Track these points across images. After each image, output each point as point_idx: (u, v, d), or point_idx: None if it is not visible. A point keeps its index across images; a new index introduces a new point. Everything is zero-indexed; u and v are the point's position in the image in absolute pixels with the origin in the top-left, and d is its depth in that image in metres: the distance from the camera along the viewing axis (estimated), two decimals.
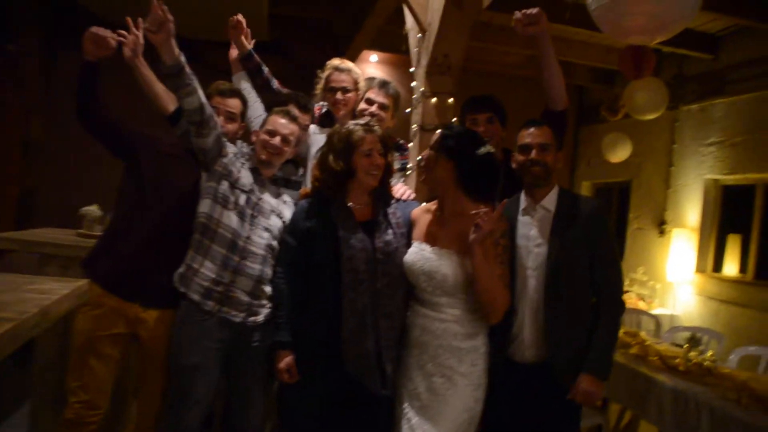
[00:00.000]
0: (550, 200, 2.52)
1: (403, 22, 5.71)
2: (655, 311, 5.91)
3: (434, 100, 3.07)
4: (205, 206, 2.55)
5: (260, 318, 2.57)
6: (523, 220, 2.54)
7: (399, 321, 2.44)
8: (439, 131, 2.46)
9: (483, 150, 2.37)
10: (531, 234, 2.50)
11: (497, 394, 2.43)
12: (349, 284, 2.35)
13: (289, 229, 2.55)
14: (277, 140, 2.63)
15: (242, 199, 2.57)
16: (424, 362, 2.36)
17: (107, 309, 2.52)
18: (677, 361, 3.47)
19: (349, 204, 2.48)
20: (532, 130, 2.51)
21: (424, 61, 3.17)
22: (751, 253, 5.72)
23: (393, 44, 6.40)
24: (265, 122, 2.71)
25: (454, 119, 3.09)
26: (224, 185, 2.56)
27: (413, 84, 3.29)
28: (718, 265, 6.04)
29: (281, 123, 2.66)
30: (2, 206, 6.78)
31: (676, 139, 6.48)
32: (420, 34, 3.21)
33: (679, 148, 6.45)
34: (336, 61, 3.21)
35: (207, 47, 5.19)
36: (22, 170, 6.79)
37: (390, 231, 2.47)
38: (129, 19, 2.47)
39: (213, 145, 2.55)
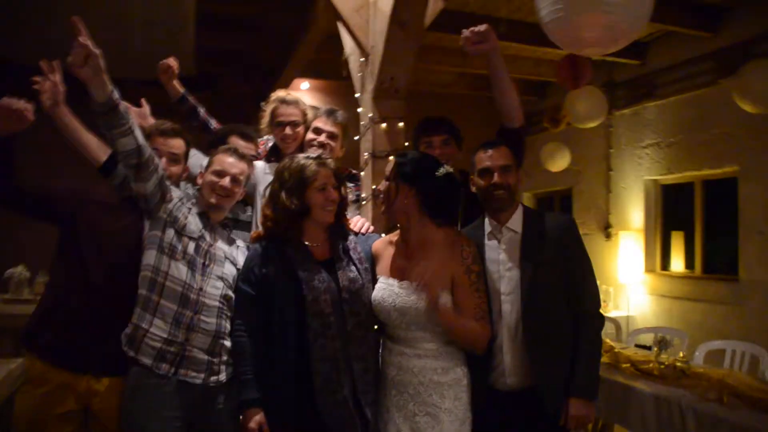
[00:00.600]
0: (516, 221, 2.42)
1: (335, 48, 5.68)
2: (611, 314, 5.95)
3: (384, 125, 2.96)
4: (150, 258, 2.32)
5: (223, 377, 2.35)
6: (490, 244, 2.44)
7: (373, 362, 2.31)
8: (392, 158, 2.36)
9: (442, 171, 2.30)
10: (500, 258, 2.40)
11: (483, 426, 2.30)
12: (317, 329, 2.19)
13: (243, 276, 2.36)
14: (226, 181, 2.44)
15: (191, 247, 2.36)
16: (405, 402, 2.23)
17: (54, 385, 2.25)
18: (650, 365, 3.45)
19: (306, 243, 2.33)
20: (490, 152, 2.42)
21: (369, 86, 3.05)
22: (696, 249, 5.85)
23: (324, 71, 6.35)
24: (210, 163, 2.52)
25: (406, 143, 2.99)
26: (170, 233, 2.34)
27: (359, 110, 3.17)
28: (665, 263, 6.16)
29: (229, 162, 2.48)
30: None
31: (612, 143, 6.62)
32: (363, 58, 3.10)
33: (616, 152, 6.59)
34: (281, 93, 3.07)
35: (135, 86, 4.95)
36: None
37: (353, 267, 2.34)
38: (43, 63, 2.19)
39: (155, 190, 2.33)
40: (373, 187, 2.89)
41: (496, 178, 2.37)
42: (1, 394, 1.67)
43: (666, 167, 5.95)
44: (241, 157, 2.53)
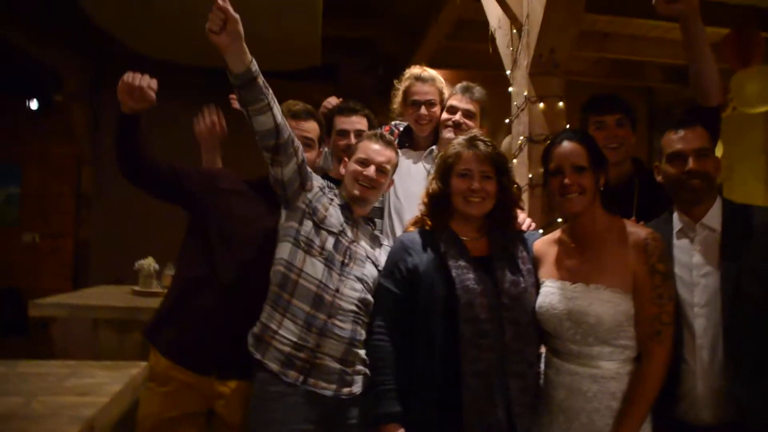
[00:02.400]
0: (714, 217, 2.01)
1: (467, 35, 5.40)
2: None
3: (542, 105, 2.62)
4: (284, 251, 2.11)
5: (356, 389, 2.11)
6: (679, 244, 2.03)
7: (533, 380, 1.98)
8: (564, 139, 2.02)
9: None
10: (693, 261, 1.99)
11: None
12: (470, 338, 1.89)
13: (387, 272, 2.09)
14: (371, 170, 2.21)
15: (330, 242, 2.14)
16: (576, 431, 1.89)
17: (178, 385, 2.11)
18: None
19: (461, 237, 2.04)
20: (683, 133, 2.02)
21: (524, 61, 2.71)
22: None
23: (454, 60, 6.03)
24: (354, 150, 2.29)
25: (567, 126, 2.63)
26: (308, 226, 2.13)
27: (510, 89, 2.85)
28: None
29: (374, 149, 2.24)
30: (58, 260, 6.66)
31: None
32: (515, 30, 2.77)
33: None
34: (416, 70, 2.81)
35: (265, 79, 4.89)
36: (75, 223, 6.65)
37: (516, 268, 2.01)
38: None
39: (293, 176, 2.12)
40: (530, 176, 2.56)
41: (691, 164, 1.97)
42: (123, 402, 1.47)
43: None
44: (388, 143, 2.28)
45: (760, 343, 1.89)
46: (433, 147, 2.74)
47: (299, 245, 2.11)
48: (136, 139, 2.11)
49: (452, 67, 6.15)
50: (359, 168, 2.21)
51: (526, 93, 2.66)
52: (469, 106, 2.65)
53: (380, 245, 2.32)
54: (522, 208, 2.15)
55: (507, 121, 2.91)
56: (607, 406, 1.86)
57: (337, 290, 2.09)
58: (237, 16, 1.84)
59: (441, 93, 2.75)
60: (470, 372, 1.87)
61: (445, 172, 2.05)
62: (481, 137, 2.07)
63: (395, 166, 2.33)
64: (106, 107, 6.46)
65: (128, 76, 2.01)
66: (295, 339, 2.04)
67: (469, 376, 1.87)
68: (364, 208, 2.29)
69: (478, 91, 2.69)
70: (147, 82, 2.02)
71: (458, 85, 2.73)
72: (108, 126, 6.35)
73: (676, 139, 2.03)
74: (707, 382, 1.92)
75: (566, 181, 1.96)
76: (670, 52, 5.98)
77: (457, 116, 2.64)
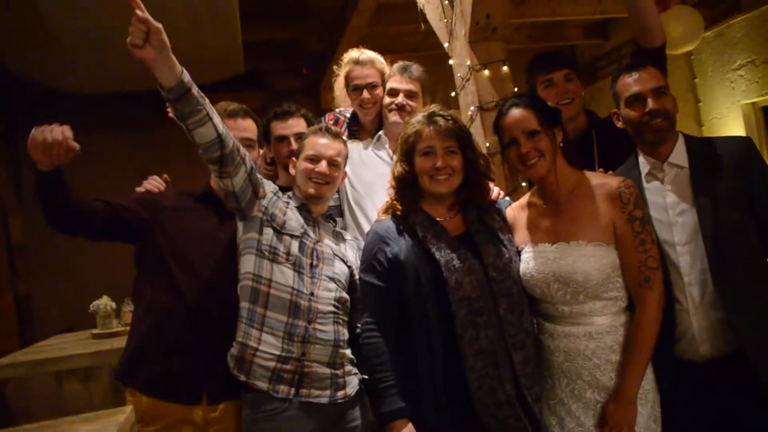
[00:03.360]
0: (680, 154, 2.01)
1: (387, 19, 5.33)
2: None
3: (487, 72, 2.57)
4: (249, 264, 2.01)
5: (350, 390, 2.05)
6: (650, 187, 2.03)
7: (533, 349, 1.93)
8: (509, 107, 1.97)
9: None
10: (667, 201, 1.99)
11: (677, 405, 1.92)
12: (465, 318, 1.83)
13: (367, 265, 1.99)
14: (323, 166, 2.13)
15: (295, 246, 2.05)
16: (581, 390, 1.87)
17: (168, 421, 1.98)
18: None
19: (436, 218, 1.97)
20: (637, 75, 2.01)
21: (461, 31, 2.65)
22: None
23: (379, 46, 5.95)
24: (301, 147, 2.20)
25: (515, 89, 2.60)
26: (268, 234, 2.03)
27: (451, 62, 2.79)
28: None
29: (323, 143, 2.16)
30: (2, 314, 6.25)
31: (696, 72, 6.03)
32: (447, 1, 2.71)
33: (701, 81, 5.98)
34: (354, 53, 2.72)
35: None
36: (11, 277, 6.27)
37: (496, 240, 1.96)
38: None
39: (244, 186, 2.01)
40: (487, 144, 2.50)
41: (650, 104, 1.97)
42: None
43: (766, 86, 5.36)
44: (335, 136, 2.20)
45: (747, 269, 1.90)
46: (380, 132, 2.67)
47: (263, 255, 2.01)
48: (62, 192, 1.92)
49: (378, 53, 6.10)
50: (310, 165, 2.13)
51: (468, 62, 2.60)
52: (410, 86, 2.58)
53: (344, 240, 2.25)
54: (492, 179, 2.09)
55: (453, 94, 2.85)
56: (606, 361, 1.84)
57: (312, 294, 2.02)
58: (159, 25, 1.70)
59: (382, 74, 2.68)
60: (471, 352, 1.81)
61: (408, 152, 1.97)
62: (440, 112, 2.00)
63: (346, 157, 2.26)
64: (25, 153, 6.08)
65: (38, 133, 1.81)
66: (278, 352, 1.96)
67: (471, 356, 1.81)
68: (322, 205, 2.22)
69: (416, 69, 2.62)
70: (62, 134, 1.82)
71: (395, 66, 2.65)
72: (30, 172, 5.99)
73: (631, 82, 2.01)
74: (701, 317, 1.92)
75: (522, 149, 1.92)
76: (586, 9, 6.09)
77: (399, 98, 2.56)
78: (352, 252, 2.22)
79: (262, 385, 1.95)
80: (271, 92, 6.43)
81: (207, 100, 1.88)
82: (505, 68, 2.60)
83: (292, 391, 1.95)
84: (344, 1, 4.97)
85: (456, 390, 1.83)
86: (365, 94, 2.64)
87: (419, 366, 1.86)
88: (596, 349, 1.85)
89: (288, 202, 2.15)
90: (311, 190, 2.13)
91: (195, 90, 1.82)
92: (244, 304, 2.01)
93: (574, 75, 2.47)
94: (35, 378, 3.00)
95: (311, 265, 2.06)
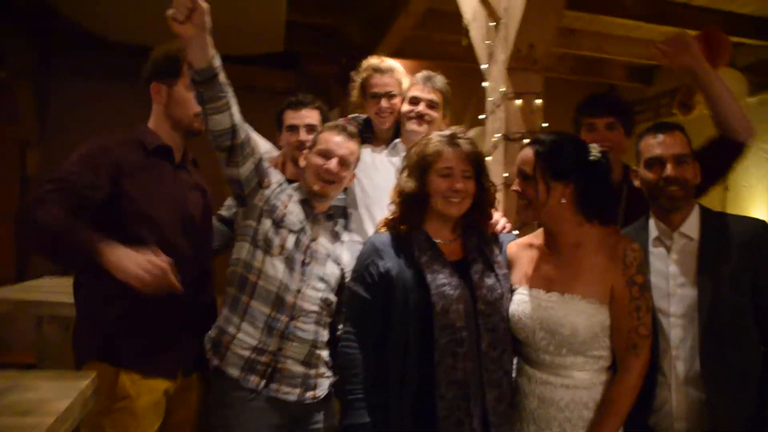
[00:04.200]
0: (692, 225, 1.96)
1: (433, 25, 5.28)
2: None
3: (519, 102, 2.53)
4: (242, 252, 2.02)
5: (320, 392, 2.04)
6: (656, 252, 1.99)
7: (508, 389, 1.90)
8: (529, 146, 1.93)
9: (595, 154, 1.86)
10: (670, 271, 1.95)
11: None
12: (446, 346, 1.80)
13: (357, 275, 1.96)
14: (333, 164, 2.11)
15: (290, 241, 2.03)
16: None
17: (151, 396, 1.94)
18: None
19: (435, 240, 1.94)
20: (661, 137, 1.97)
21: (501, 56, 2.61)
22: None
23: (419, 50, 5.91)
24: (315, 141, 2.18)
25: (544, 125, 2.55)
26: (266, 224, 2.02)
27: (485, 84, 2.75)
28: None
29: (336, 141, 2.14)
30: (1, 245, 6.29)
31: None
32: (493, 23, 2.67)
33: None
34: (374, 60, 2.71)
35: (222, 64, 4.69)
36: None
37: (492, 273, 1.92)
38: None
39: (250, 176, 2.01)
40: (505, 175, 2.47)
41: (669, 170, 1.92)
42: (69, 421, 1.30)
43: None
44: (351, 135, 2.18)
45: (736, 354, 1.86)
46: (397, 140, 2.65)
47: (257, 245, 2.01)
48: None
49: (418, 57, 6.05)
50: (320, 161, 2.11)
51: (503, 89, 2.56)
52: (432, 96, 2.55)
53: (341, 241, 2.23)
54: (496, 209, 2.08)
55: (481, 117, 2.81)
56: (579, 416, 1.81)
57: (299, 291, 2.01)
58: (206, 5, 1.68)
59: (400, 84, 2.66)
60: (446, 381, 1.79)
61: (423, 170, 1.93)
62: (461, 135, 1.97)
63: (357, 159, 2.24)
64: (53, 86, 6.11)
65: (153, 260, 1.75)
66: (254, 343, 1.96)
67: (445, 385, 1.79)
68: (325, 203, 2.20)
69: (440, 80, 2.60)
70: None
71: (419, 75, 2.62)
72: (56, 106, 6.02)
73: (654, 144, 1.98)
74: (682, 393, 1.88)
75: (513, 187, 1.93)
76: (634, 51, 6.01)
77: (420, 107, 2.54)
78: (347, 254, 2.19)
79: (234, 372, 1.95)
80: (305, 75, 6.40)
81: (231, 89, 1.86)
82: (538, 101, 2.56)
83: (263, 383, 1.95)
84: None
85: (424, 416, 1.80)
86: (383, 102, 2.62)
87: (391, 385, 1.84)
88: (570, 402, 1.81)
89: (292, 195, 2.13)
90: (316, 188, 2.11)
91: (222, 76, 1.81)
92: (231, 290, 2.02)
93: (619, 124, 2.41)
94: (20, 317, 2.97)
95: (303, 262, 2.04)
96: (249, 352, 1.95)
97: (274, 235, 2.02)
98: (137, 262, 1.72)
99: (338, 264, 2.15)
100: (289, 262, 2.01)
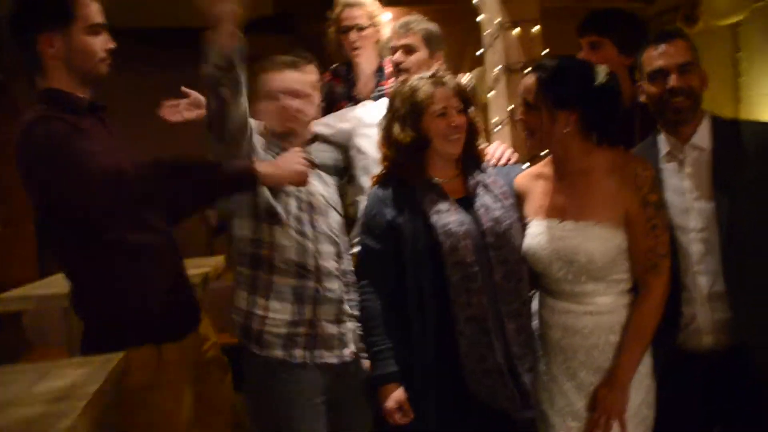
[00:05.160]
0: (703, 136, 1.91)
1: None
2: None
3: (517, 31, 2.46)
4: (244, 228, 1.95)
5: (352, 346, 2.05)
6: (668, 167, 1.94)
7: (528, 319, 1.93)
8: (531, 73, 1.89)
9: (601, 77, 1.81)
10: (684, 185, 1.91)
11: (674, 393, 1.88)
12: (459, 283, 1.82)
13: (366, 228, 1.99)
14: (296, 104, 2.02)
15: (293, 205, 1.98)
16: (576, 369, 1.84)
17: (188, 359, 1.87)
18: None
19: (435, 180, 1.94)
20: (663, 47, 1.89)
21: None
22: None
23: None
24: (265, 87, 2.05)
25: (544, 52, 2.49)
26: (264, 194, 1.92)
27: (480, 17, 2.67)
28: None
29: (292, 78, 2.03)
30: (22, 247, 6.33)
31: (742, 45, 5.79)
32: None
33: (746, 54, 5.76)
34: None
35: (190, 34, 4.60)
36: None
37: (497, 205, 1.92)
38: None
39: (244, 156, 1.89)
40: (510, 107, 2.42)
41: (673, 80, 1.85)
42: (101, 402, 1.31)
43: None
44: (305, 63, 2.08)
45: (759, 268, 1.83)
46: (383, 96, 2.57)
47: (260, 218, 1.93)
48: None
49: (412, 3, 5.91)
50: (283, 105, 2.00)
51: (498, 19, 2.49)
52: (406, 41, 2.44)
53: (329, 185, 2.17)
54: (486, 140, 2.10)
55: (478, 53, 2.75)
56: (605, 341, 1.81)
57: (317, 251, 1.98)
58: None
59: (371, 16, 2.68)
60: (463, 318, 1.82)
61: (417, 116, 1.91)
62: (443, 72, 1.97)
63: (315, 84, 2.11)
64: None
65: None
66: (288, 317, 1.93)
67: (463, 322, 1.82)
68: (296, 139, 2.06)
69: (415, 22, 2.48)
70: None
71: (395, 24, 2.54)
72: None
73: (656, 55, 1.90)
74: (708, 308, 1.87)
75: (517, 116, 1.92)
76: None
77: (397, 56, 2.45)
78: (336, 196, 2.18)
79: (278, 353, 1.92)
80: (301, 38, 6.28)
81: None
82: (536, 28, 2.48)
83: (308, 354, 1.94)
84: None
85: (446, 355, 1.83)
86: (352, 35, 2.63)
87: (412, 329, 1.86)
88: (595, 329, 1.82)
89: (279, 152, 2.01)
90: (284, 128, 2.03)
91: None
92: (244, 270, 1.96)
93: (607, 42, 2.33)
94: (45, 312, 3.00)
95: (311, 222, 1.99)
96: (286, 329, 1.92)
97: (275, 202, 1.94)
98: (291, 162, 1.85)
99: (336, 209, 2.12)
100: (299, 227, 1.97)
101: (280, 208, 1.94)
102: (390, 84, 2.77)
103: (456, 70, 2.39)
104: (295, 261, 1.93)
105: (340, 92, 2.86)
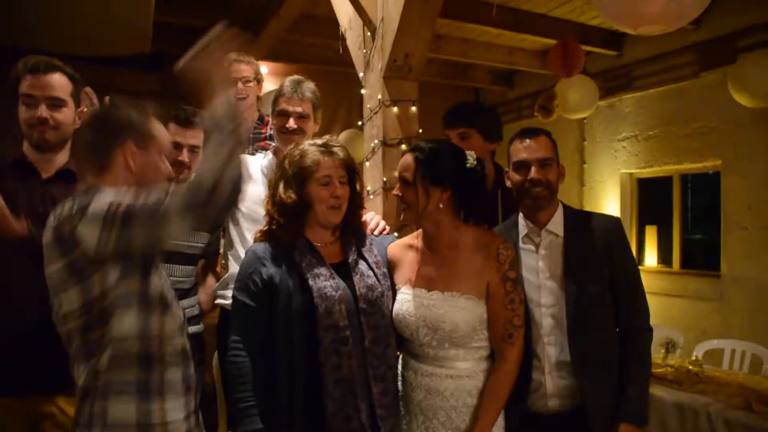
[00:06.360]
0: (557, 223, 2.14)
1: (305, 29, 5.29)
2: None
3: (396, 109, 2.61)
4: (126, 322, 1.69)
5: None
6: (525, 248, 2.15)
7: (392, 382, 1.99)
8: (408, 152, 2.02)
9: (471, 161, 1.97)
10: (539, 266, 2.12)
11: None
12: (331, 346, 1.85)
13: (242, 284, 1.96)
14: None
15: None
16: (435, 430, 1.93)
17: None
18: (662, 370, 3.27)
19: (314, 243, 1.99)
20: (528, 142, 2.12)
21: (378, 64, 2.68)
22: (675, 244, 5.76)
23: (289, 54, 5.89)
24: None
25: (420, 131, 2.67)
26: (155, 280, 1.80)
27: (363, 91, 2.82)
28: (640, 258, 6.04)
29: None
30: None
31: (586, 136, 6.47)
32: (369, 33, 2.75)
33: (590, 145, 6.44)
34: (234, 54, 2.96)
35: (86, 65, 4.40)
36: None
37: (371, 273, 2.00)
38: None
39: None
40: (384, 179, 2.55)
41: (533, 173, 2.07)
42: None
43: (644, 160, 5.84)
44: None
45: (598, 341, 2.06)
46: (268, 152, 2.65)
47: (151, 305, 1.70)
48: None
49: (290, 60, 6.05)
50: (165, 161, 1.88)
51: (380, 96, 2.64)
52: (301, 108, 2.49)
53: None
54: (365, 210, 2.14)
55: (360, 123, 2.89)
56: (464, 403, 1.92)
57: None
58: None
59: (257, 73, 3.08)
60: (332, 380, 1.84)
61: (302, 180, 1.95)
62: (334, 142, 2.03)
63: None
64: None
65: None
66: (184, 413, 1.72)
67: (332, 384, 1.84)
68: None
69: (307, 88, 2.52)
70: None
71: (286, 84, 2.54)
72: None
73: (521, 148, 2.12)
74: (555, 375, 2.05)
75: (394, 192, 2.02)
76: (496, 57, 6.36)
77: (291, 122, 2.48)
78: None
79: None
80: (171, 77, 6.16)
81: None
82: (413, 108, 2.66)
83: None
84: (267, 1, 4.89)
85: (313, 416, 1.84)
86: (239, 85, 2.97)
87: (280, 388, 1.86)
88: (455, 391, 1.92)
89: None
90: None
91: None
92: (131, 374, 1.64)
93: (474, 132, 2.52)
94: None
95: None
96: (185, 425, 1.72)
97: (164, 289, 1.75)
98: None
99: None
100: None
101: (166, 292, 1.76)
102: (267, 130, 2.90)
103: (326, 130, 2.47)
104: (180, 346, 1.76)
105: None
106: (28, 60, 2.06)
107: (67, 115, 2.08)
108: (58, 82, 2.06)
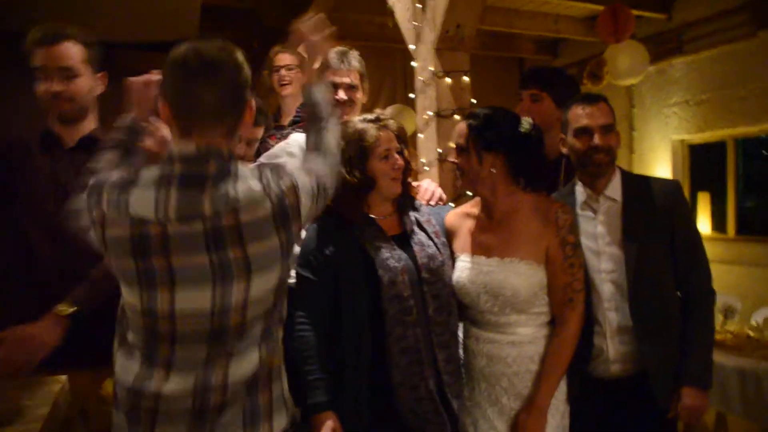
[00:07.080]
0: (615, 188, 2.14)
1: (349, 7, 5.29)
2: None
3: (448, 80, 2.62)
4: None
5: None
6: (584, 215, 2.15)
7: (456, 349, 2.02)
8: (461, 121, 2.03)
9: (525, 126, 1.97)
10: (597, 231, 2.12)
11: (583, 416, 2.05)
12: (396, 316, 1.89)
13: (303, 260, 1.99)
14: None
15: None
16: (498, 396, 1.96)
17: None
18: (722, 336, 3.23)
19: (373, 217, 2.02)
20: (589, 109, 2.10)
21: (430, 36, 2.69)
22: (729, 210, 5.64)
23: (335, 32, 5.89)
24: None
25: (473, 101, 2.67)
26: None
27: (414, 63, 2.83)
28: None
29: None
30: None
31: (635, 102, 6.34)
32: (419, 5, 2.75)
33: (639, 111, 6.31)
34: (278, 47, 3.17)
35: (135, 52, 4.51)
36: None
37: (431, 243, 2.03)
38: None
39: None
40: (439, 150, 2.57)
41: (596, 139, 2.07)
42: (53, 427, 1.28)
43: (696, 126, 5.71)
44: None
45: (660, 305, 2.06)
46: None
47: None
48: None
49: (336, 39, 6.03)
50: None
51: (432, 68, 2.65)
52: (348, 79, 2.43)
53: None
54: (417, 179, 2.17)
55: (412, 96, 2.91)
56: (526, 370, 1.94)
57: None
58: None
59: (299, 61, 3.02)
60: (398, 350, 1.88)
61: (364, 157, 1.98)
62: (384, 115, 2.06)
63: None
64: None
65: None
66: None
67: (397, 353, 1.88)
68: None
69: (354, 57, 2.46)
70: None
71: (331, 55, 2.42)
72: None
73: (582, 115, 2.10)
74: (616, 340, 2.07)
75: (449, 159, 2.04)
76: (541, 26, 6.27)
77: (340, 93, 2.42)
78: None
79: None
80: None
81: None
82: (466, 78, 2.66)
83: None
84: None
85: (379, 385, 1.89)
86: (282, 72, 3.05)
87: (346, 361, 1.90)
88: (517, 357, 1.94)
89: None
90: None
91: None
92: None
93: (546, 96, 2.49)
94: None
95: None
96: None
97: None
98: None
99: None
100: None
101: None
102: None
103: (371, 107, 2.47)
104: None
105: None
106: (36, 31, 1.97)
107: (81, 84, 2.01)
108: (70, 51, 1.97)
